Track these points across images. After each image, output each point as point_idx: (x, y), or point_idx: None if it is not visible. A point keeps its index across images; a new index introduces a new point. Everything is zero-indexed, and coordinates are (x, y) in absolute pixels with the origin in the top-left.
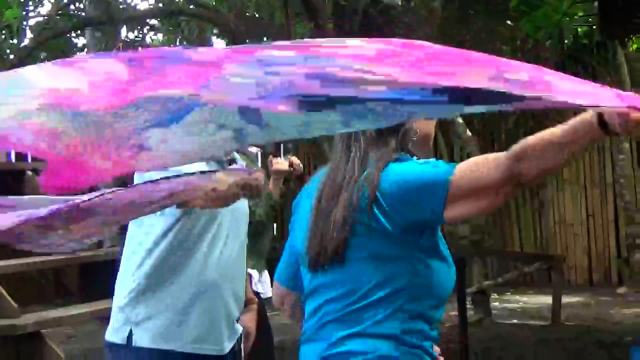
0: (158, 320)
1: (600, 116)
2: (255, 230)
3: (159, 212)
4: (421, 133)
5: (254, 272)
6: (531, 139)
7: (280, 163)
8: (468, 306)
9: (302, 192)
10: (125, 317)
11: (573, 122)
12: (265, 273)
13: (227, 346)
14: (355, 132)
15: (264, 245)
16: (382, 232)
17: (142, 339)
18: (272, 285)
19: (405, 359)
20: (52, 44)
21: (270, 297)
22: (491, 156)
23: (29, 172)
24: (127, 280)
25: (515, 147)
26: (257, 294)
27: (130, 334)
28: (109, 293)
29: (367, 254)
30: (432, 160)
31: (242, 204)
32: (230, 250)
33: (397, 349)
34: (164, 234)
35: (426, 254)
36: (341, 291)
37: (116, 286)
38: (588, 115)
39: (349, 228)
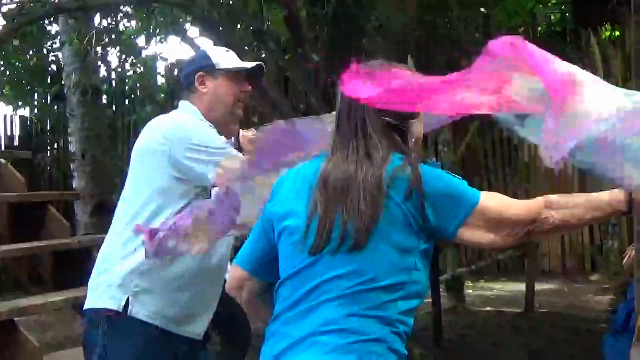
0: (154, 296)
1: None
2: None
3: (162, 198)
4: (416, 136)
5: None
6: (565, 195)
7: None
8: (442, 293)
9: (286, 177)
10: (123, 287)
11: (608, 195)
12: None
13: (204, 330)
14: (358, 124)
15: None
16: (405, 225)
17: (137, 311)
18: None
19: (395, 346)
20: (25, 32)
21: None
22: (522, 200)
23: (2, 160)
24: (126, 258)
25: (548, 196)
26: None
27: (127, 302)
28: (83, 281)
29: (384, 241)
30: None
31: None
32: (223, 239)
33: (390, 335)
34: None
35: (423, 255)
36: (349, 269)
37: (106, 262)
38: (622, 196)
39: (377, 215)
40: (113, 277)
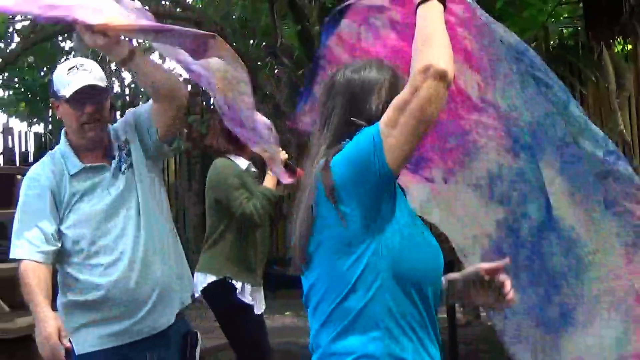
0: (91, 326)
1: None
2: (238, 231)
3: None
4: None
5: (238, 284)
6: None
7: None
8: (457, 309)
9: None
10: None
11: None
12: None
13: (164, 321)
14: (326, 117)
15: (251, 253)
16: (345, 218)
17: (80, 347)
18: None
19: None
20: (39, 48)
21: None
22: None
23: (18, 177)
24: (58, 299)
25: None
26: (243, 305)
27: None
28: None
29: (333, 247)
30: None
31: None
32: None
33: (379, 344)
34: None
35: (378, 224)
36: (325, 289)
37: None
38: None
39: (311, 223)
40: None
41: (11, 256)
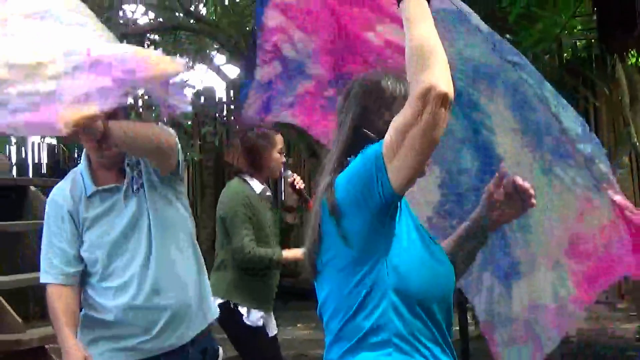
0: (100, 342)
1: None
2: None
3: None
4: None
5: (243, 309)
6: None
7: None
8: (469, 321)
9: None
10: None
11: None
12: (256, 311)
13: (173, 341)
14: (340, 128)
15: (260, 284)
16: (347, 238)
17: (95, 358)
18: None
19: None
20: None
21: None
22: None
23: (32, 188)
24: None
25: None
26: (253, 326)
27: None
28: None
29: (337, 263)
30: None
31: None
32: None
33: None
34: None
35: (383, 241)
36: (333, 306)
37: None
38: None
39: (318, 240)
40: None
41: (40, 281)
